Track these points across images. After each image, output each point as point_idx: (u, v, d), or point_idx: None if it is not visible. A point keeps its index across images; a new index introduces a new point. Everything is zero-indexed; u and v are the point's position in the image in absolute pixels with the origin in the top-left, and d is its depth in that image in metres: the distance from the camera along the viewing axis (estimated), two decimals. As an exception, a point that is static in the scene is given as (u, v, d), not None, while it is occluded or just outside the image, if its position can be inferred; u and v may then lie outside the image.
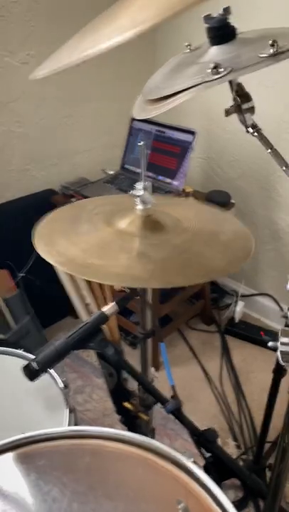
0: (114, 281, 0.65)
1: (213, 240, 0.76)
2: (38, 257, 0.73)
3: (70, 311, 2.08)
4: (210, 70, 0.59)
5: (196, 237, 0.76)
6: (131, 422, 0.97)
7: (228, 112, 0.74)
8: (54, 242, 0.75)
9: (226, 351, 1.93)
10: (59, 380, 1.02)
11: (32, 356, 1.05)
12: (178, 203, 1.00)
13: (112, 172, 1.99)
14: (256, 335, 1.97)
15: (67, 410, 0.95)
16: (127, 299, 0.82)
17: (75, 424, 0.95)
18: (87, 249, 0.72)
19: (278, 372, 1.10)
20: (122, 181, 1.91)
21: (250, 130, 0.74)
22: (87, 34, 0.60)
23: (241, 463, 1.44)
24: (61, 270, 0.68)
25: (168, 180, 1.83)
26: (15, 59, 1.63)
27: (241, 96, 0.72)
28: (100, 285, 0.93)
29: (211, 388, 1.76)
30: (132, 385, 0.94)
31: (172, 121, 1.82)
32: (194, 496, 0.57)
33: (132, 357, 0.93)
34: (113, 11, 0.60)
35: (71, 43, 0.63)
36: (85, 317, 1.06)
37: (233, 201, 1.85)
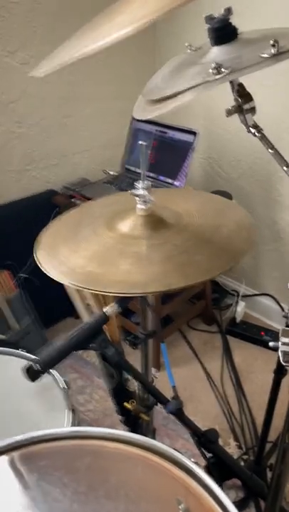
0: (113, 289, 0.64)
1: (215, 234, 0.76)
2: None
3: (71, 312, 2.08)
4: (211, 71, 0.59)
5: (197, 233, 0.76)
6: (132, 422, 0.97)
7: (229, 112, 0.73)
8: (56, 251, 0.75)
9: (227, 351, 1.93)
10: (60, 381, 1.02)
11: (33, 356, 1.05)
12: (179, 194, 1.00)
13: (112, 172, 1.99)
14: (257, 335, 1.97)
15: (69, 411, 0.95)
16: (128, 300, 0.82)
17: (76, 425, 0.95)
18: (87, 256, 0.72)
19: (279, 372, 1.10)
20: (122, 182, 1.91)
21: (252, 130, 0.74)
22: (88, 31, 0.60)
23: (242, 463, 1.44)
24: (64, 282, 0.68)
25: (169, 180, 1.83)
26: (15, 59, 1.63)
27: (242, 96, 0.72)
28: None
29: (212, 388, 1.76)
30: (133, 385, 0.93)
31: (173, 122, 1.82)
32: (195, 496, 0.57)
33: (133, 357, 0.93)
34: (113, 8, 0.60)
35: (72, 40, 0.63)
36: (86, 317, 1.07)
37: (234, 201, 1.85)
